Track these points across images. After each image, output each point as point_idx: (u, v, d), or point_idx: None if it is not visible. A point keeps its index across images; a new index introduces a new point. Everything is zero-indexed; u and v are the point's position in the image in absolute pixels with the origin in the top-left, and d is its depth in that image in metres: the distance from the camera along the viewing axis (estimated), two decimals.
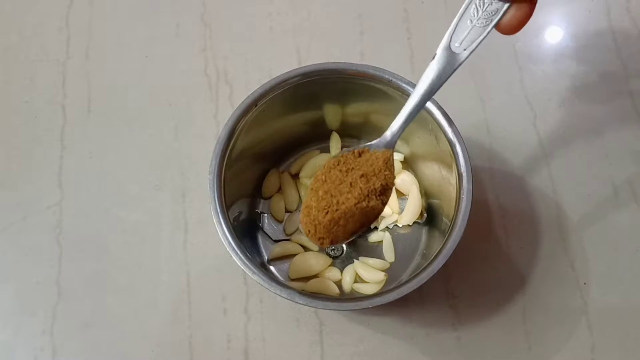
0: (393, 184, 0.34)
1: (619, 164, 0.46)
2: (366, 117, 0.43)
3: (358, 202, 0.32)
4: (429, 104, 0.36)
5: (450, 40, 0.32)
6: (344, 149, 0.38)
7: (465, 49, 0.31)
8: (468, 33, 0.31)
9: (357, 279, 0.42)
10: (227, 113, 0.38)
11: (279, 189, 0.45)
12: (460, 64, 0.32)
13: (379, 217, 0.43)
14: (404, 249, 0.43)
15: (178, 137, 0.48)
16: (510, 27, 0.31)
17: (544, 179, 0.46)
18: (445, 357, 0.42)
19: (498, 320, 0.42)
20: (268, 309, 0.43)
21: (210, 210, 0.35)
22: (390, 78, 0.37)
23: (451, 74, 0.32)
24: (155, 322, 0.43)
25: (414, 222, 0.43)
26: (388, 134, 0.34)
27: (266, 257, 0.43)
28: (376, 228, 0.43)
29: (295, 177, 0.45)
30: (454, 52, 0.32)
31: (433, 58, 0.32)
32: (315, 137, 0.45)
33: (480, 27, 0.31)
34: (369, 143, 0.34)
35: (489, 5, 0.30)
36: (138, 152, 0.47)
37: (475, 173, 0.35)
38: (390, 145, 0.34)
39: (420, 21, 0.51)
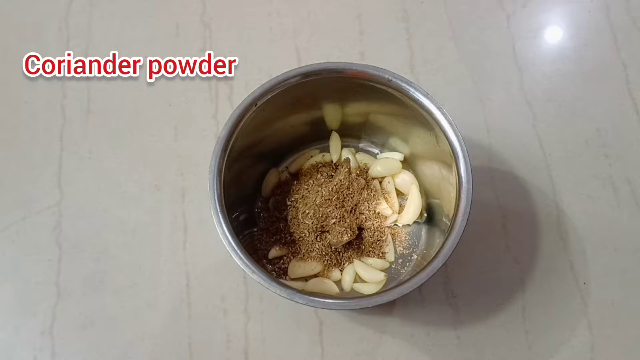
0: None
1: (619, 164, 0.46)
2: (366, 117, 0.43)
3: None
4: (429, 104, 0.36)
5: None
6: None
7: None
8: None
9: (357, 279, 0.42)
10: (226, 113, 0.38)
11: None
12: None
13: (379, 216, 0.43)
14: (404, 248, 0.43)
15: (178, 137, 0.48)
16: None
17: (544, 179, 0.46)
18: (445, 357, 0.42)
19: (498, 320, 0.42)
20: (268, 308, 0.43)
21: (210, 210, 0.35)
22: (390, 78, 0.37)
23: None
24: (155, 322, 0.43)
25: (414, 222, 0.43)
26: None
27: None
28: None
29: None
30: None
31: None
32: (315, 137, 0.45)
33: None
34: None
35: None
36: (138, 152, 0.47)
37: (475, 173, 0.35)
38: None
39: (420, 21, 0.51)
